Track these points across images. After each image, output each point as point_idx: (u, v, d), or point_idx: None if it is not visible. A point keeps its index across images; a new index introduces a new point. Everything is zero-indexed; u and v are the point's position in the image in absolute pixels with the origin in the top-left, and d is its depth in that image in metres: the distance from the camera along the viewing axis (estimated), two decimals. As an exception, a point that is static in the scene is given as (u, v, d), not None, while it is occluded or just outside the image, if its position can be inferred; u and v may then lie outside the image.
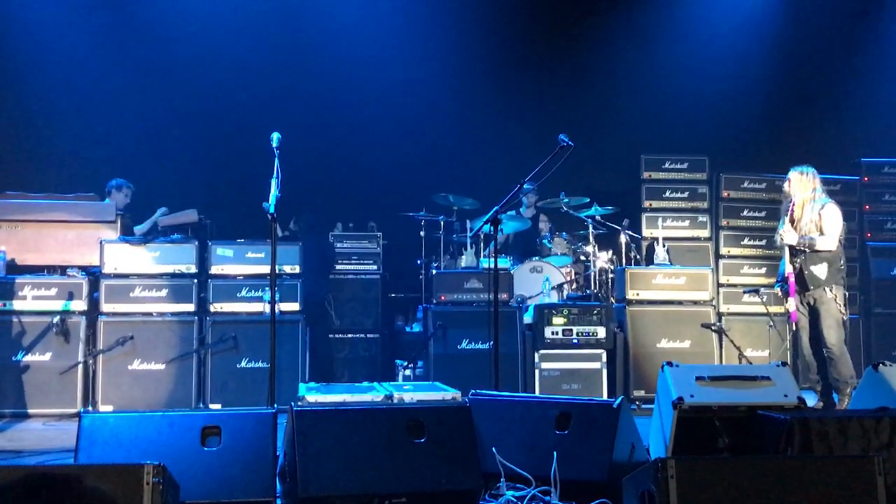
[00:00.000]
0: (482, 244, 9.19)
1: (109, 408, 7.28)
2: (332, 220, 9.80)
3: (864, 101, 10.78)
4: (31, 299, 7.67)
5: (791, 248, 7.39)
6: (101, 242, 7.89)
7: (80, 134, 9.62)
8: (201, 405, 7.62)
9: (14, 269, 7.85)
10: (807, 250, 7.30)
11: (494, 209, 6.34)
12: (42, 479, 3.11)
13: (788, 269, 7.40)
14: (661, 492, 3.46)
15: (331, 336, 9.15)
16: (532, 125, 9.27)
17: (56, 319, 7.58)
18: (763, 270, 9.46)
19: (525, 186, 8.87)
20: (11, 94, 9.67)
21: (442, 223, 9.41)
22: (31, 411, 7.42)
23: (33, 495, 3.07)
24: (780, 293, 7.68)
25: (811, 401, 7.04)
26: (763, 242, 9.48)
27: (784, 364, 4.97)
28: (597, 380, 8.11)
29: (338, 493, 4.20)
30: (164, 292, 7.88)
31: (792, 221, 7.42)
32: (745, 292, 9.17)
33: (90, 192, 8.53)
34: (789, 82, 10.95)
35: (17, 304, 7.63)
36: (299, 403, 4.73)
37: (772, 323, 8.68)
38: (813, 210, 7.36)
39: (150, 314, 7.83)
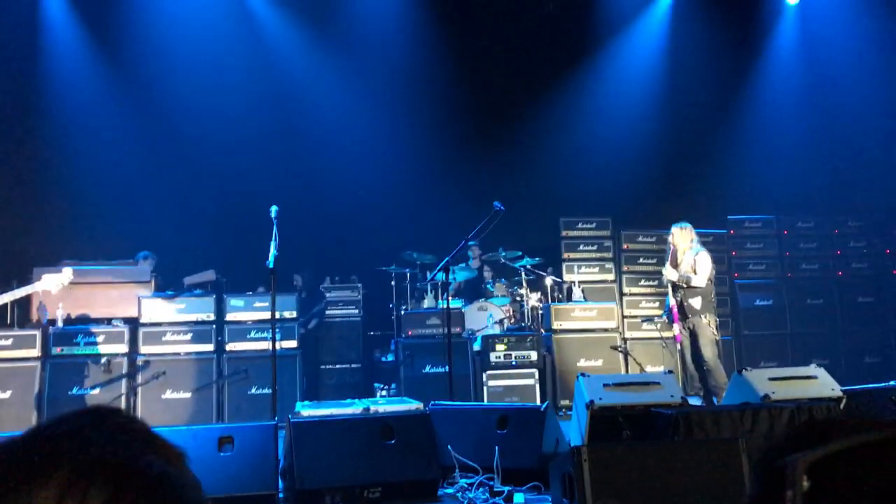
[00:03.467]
0: (440, 290, 9.22)
1: (147, 428, 7.13)
2: (321, 275, 9.80)
3: (730, 170, 11.03)
4: (84, 345, 7.53)
5: (673, 285, 7.57)
6: (138, 298, 7.81)
7: (120, 211, 9.56)
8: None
9: (70, 321, 7.73)
10: (684, 286, 7.46)
11: (444, 261, 6.41)
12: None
13: (672, 301, 7.57)
14: (578, 472, 3.49)
15: (322, 367, 9.08)
16: (475, 194, 9.37)
17: (104, 360, 7.47)
18: (657, 304, 9.55)
19: (471, 242, 9.03)
20: (64, 181, 9.60)
21: (408, 274, 9.47)
22: (84, 434, 7.23)
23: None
24: (666, 321, 7.82)
25: (696, 404, 7.12)
26: (656, 283, 9.57)
27: (670, 372, 5.06)
28: (531, 393, 8.12)
29: (327, 486, 4.20)
30: (189, 336, 7.78)
31: (674, 264, 7.61)
32: (643, 321, 9.28)
33: (129, 259, 8.46)
34: (672, 156, 11.16)
35: (74, 350, 7.50)
36: (296, 416, 4.71)
37: (664, 344, 8.78)
38: (690, 256, 7.56)
39: (178, 354, 7.70)
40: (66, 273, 5.72)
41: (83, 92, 9.93)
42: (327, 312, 9.43)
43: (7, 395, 7.13)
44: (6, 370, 7.20)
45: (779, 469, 0.68)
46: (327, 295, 9.57)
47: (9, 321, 7.94)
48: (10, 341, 7.32)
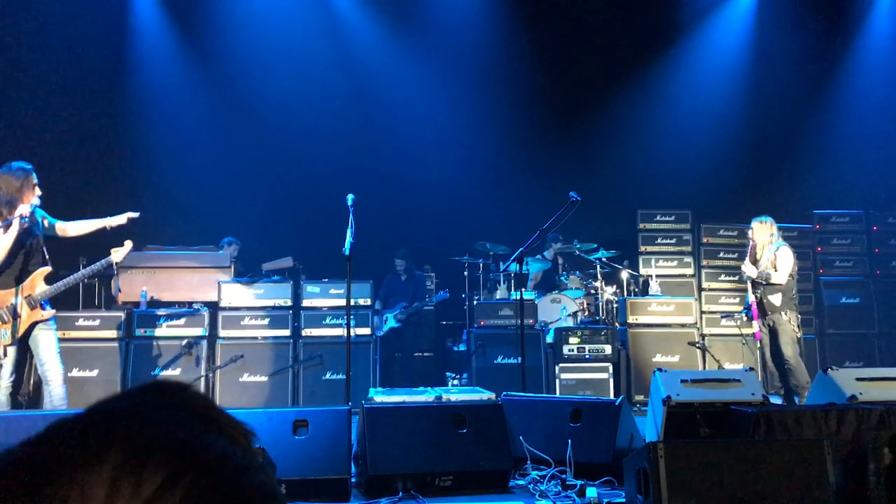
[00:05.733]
0: (513, 281, 9.19)
1: (224, 410, 7.30)
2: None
3: (816, 163, 10.68)
4: (165, 327, 7.75)
5: (753, 281, 7.36)
6: (218, 283, 7.99)
7: (201, 200, 9.81)
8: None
9: (153, 304, 7.97)
10: (764, 283, 7.25)
11: (518, 251, 6.36)
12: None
13: (751, 298, 7.38)
14: (653, 469, 3.43)
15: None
16: (550, 186, 9.25)
17: (184, 343, 7.67)
18: (737, 300, 9.32)
19: (552, 235, 8.93)
20: (149, 170, 9.92)
21: (481, 265, 9.44)
22: (165, 414, 7.44)
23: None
24: (745, 318, 7.62)
25: (777, 403, 6.91)
26: (736, 278, 9.33)
27: (751, 369, 4.91)
28: (605, 387, 8.02)
29: (399, 472, 4.22)
30: (266, 321, 7.92)
31: (753, 260, 7.40)
32: (722, 317, 9.05)
33: (210, 245, 8.67)
34: (756, 148, 10.89)
35: (156, 332, 7.74)
36: (369, 402, 4.75)
37: (744, 341, 8.54)
38: (770, 251, 7.32)
39: (255, 338, 7.85)
40: (127, 244, 5.89)
41: (168, 83, 10.22)
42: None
43: (94, 373, 7.40)
44: (92, 350, 7.47)
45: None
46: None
47: (96, 302, 8.26)
48: (96, 322, 7.58)
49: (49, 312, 5.54)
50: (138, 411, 0.55)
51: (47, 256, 5.64)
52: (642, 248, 9.71)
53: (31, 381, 6.22)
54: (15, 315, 5.35)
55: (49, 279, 5.59)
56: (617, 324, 8.78)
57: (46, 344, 5.47)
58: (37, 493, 0.49)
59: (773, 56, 10.91)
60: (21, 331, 5.37)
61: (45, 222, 5.66)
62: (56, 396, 5.41)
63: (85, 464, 0.49)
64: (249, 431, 0.61)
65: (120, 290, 7.85)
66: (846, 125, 10.81)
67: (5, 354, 5.32)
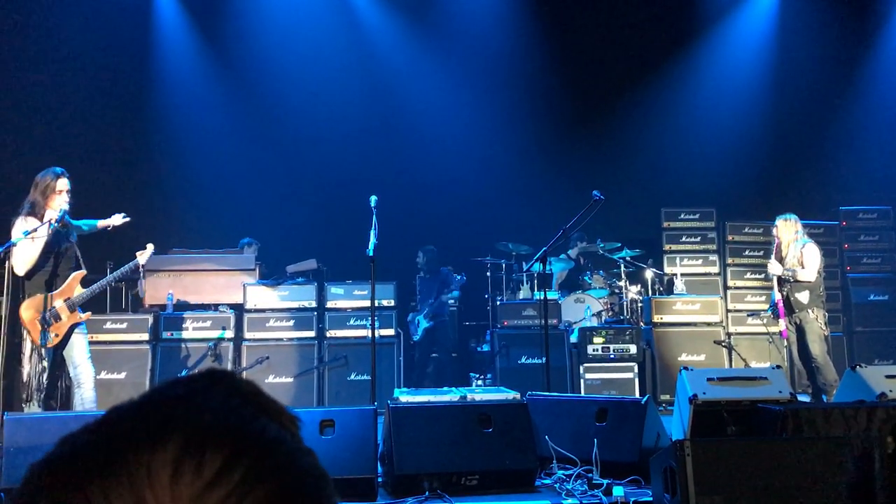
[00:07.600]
0: (536, 281, 9.18)
1: (251, 411, 7.34)
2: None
3: (842, 159, 10.57)
4: (191, 330, 7.83)
5: (778, 279, 7.31)
6: (243, 285, 8.06)
7: (226, 202, 9.89)
8: (320, 409, 7.66)
9: (179, 307, 8.06)
10: (791, 280, 7.20)
11: (541, 251, 6.35)
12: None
13: (777, 296, 7.34)
14: (680, 467, 3.42)
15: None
16: (573, 185, 9.21)
17: (211, 345, 7.74)
18: (763, 298, 9.24)
19: (575, 235, 8.93)
20: (173, 173, 10.02)
21: (503, 265, 9.44)
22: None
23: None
24: (771, 316, 7.57)
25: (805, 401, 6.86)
26: (762, 276, 9.21)
27: (778, 367, 4.89)
28: (630, 387, 8.00)
29: (425, 472, 4.24)
30: (291, 322, 7.98)
31: (779, 258, 7.36)
32: (748, 315, 8.99)
33: (234, 247, 8.74)
34: (780, 145, 10.79)
35: (182, 334, 7.82)
36: (394, 402, 4.78)
37: (771, 339, 8.48)
38: (796, 248, 7.28)
39: (281, 339, 7.91)
40: (149, 247, 6.09)
41: (190, 87, 10.32)
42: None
43: (122, 376, 7.50)
44: (121, 352, 7.57)
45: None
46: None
47: (123, 306, 8.37)
48: (124, 325, 7.68)
49: (86, 315, 5.72)
50: (194, 397, 0.58)
51: (81, 261, 5.79)
52: (666, 247, 9.65)
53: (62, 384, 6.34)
54: (58, 318, 5.54)
55: (83, 283, 5.75)
56: (642, 323, 8.75)
57: (79, 347, 5.62)
58: (107, 472, 0.51)
59: (796, 51, 10.81)
60: (63, 333, 5.54)
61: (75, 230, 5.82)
62: (87, 399, 5.53)
63: (149, 447, 0.52)
64: (296, 417, 0.64)
65: (145, 293, 7.97)
66: (872, 120, 10.69)
67: (49, 355, 5.48)
